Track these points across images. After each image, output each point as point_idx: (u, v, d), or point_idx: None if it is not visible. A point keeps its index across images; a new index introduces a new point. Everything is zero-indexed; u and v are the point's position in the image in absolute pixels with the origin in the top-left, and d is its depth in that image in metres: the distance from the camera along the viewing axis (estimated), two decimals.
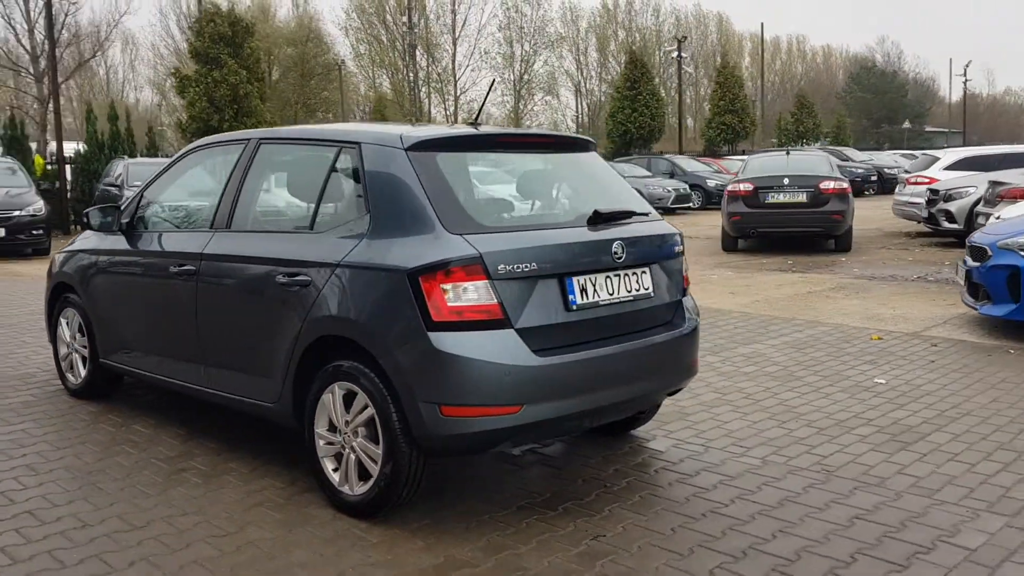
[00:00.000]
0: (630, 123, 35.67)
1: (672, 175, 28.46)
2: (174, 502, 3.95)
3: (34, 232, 13.87)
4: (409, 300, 3.49)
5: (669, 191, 25.73)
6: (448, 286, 3.46)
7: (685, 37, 48.67)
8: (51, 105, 24.07)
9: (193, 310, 4.51)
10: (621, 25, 76.04)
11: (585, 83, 74.51)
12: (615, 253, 3.88)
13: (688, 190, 26.50)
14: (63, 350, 5.73)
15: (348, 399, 3.76)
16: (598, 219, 3.95)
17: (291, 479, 4.21)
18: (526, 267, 3.57)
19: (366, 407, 3.67)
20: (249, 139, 4.59)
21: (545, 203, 4.28)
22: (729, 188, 15.00)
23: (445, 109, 69.00)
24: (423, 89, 66.69)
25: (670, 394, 4.51)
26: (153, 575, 3.26)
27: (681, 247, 4.40)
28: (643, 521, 3.76)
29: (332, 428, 3.85)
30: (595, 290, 3.83)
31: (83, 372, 5.53)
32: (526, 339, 3.56)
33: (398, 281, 3.53)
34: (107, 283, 5.22)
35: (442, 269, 3.47)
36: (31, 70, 47.29)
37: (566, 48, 72.11)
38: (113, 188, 16.27)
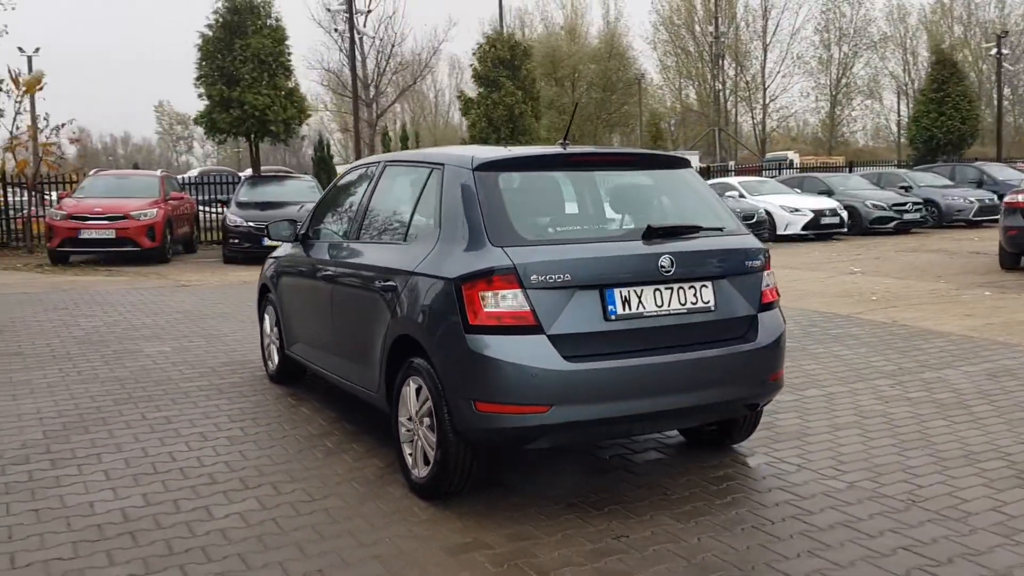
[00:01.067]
0: (935, 128, 32.88)
1: (980, 184, 25.87)
2: (290, 471, 4.65)
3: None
4: (453, 305, 3.89)
5: (971, 202, 23.50)
6: (487, 294, 3.82)
7: (1006, 32, 43.59)
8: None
9: (330, 309, 5.23)
10: (958, 20, 69.68)
11: (913, 85, 69.08)
12: (662, 267, 4.01)
13: (995, 201, 23.96)
14: (265, 341, 6.77)
15: (419, 392, 4.23)
16: (652, 233, 4.10)
17: (391, 460, 4.75)
18: (559, 278, 3.84)
19: (427, 400, 4.12)
20: (380, 161, 5.24)
21: (605, 218, 4.47)
22: (1007, 199, 13.60)
23: (752, 118, 67.38)
24: (730, 98, 65.68)
25: (750, 407, 4.49)
26: (237, 525, 3.94)
27: (759, 262, 4.38)
28: (676, 528, 3.86)
29: (409, 417, 4.34)
30: (640, 302, 3.99)
31: (276, 360, 6.50)
32: (558, 345, 3.82)
33: (446, 288, 3.95)
34: (286, 285, 6.14)
35: (482, 278, 3.83)
36: (363, 96, 53.25)
37: (890, 48, 67.35)
38: None
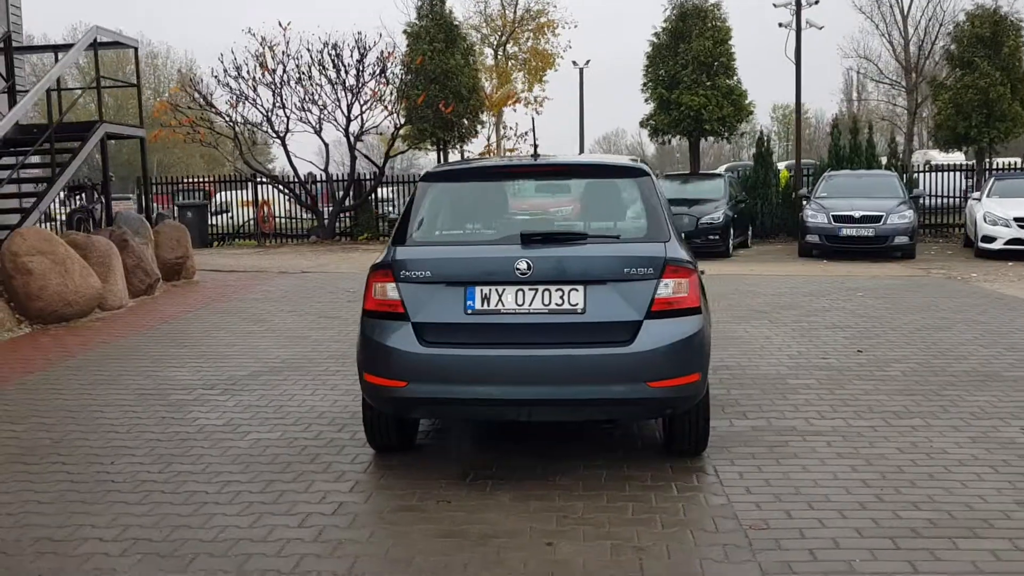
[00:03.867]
0: None
1: None
2: (338, 418, 5.91)
3: (710, 237, 16.50)
4: (363, 293, 4.81)
5: None
6: (376, 284, 4.67)
7: None
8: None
9: None
10: None
11: None
12: (518, 269, 4.41)
13: None
14: None
15: None
16: (527, 239, 4.51)
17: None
18: (423, 274, 4.53)
19: None
20: None
21: (502, 223, 4.86)
22: None
23: None
24: None
25: (648, 412, 4.56)
26: (241, 447, 5.35)
27: (649, 271, 4.43)
28: (494, 504, 4.31)
29: None
30: (500, 300, 4.45)
31: None
32: (419, 331, 4.51)
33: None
34: None
35: (376, 271, 4.70)
36: (903, 83, 50.21)
37: None
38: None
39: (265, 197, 22.66)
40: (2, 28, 11.99)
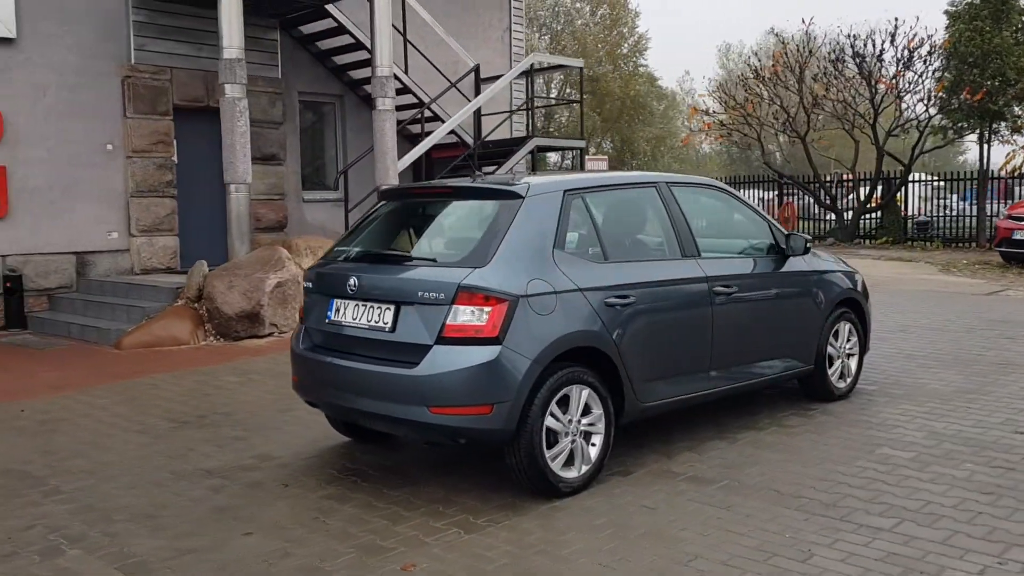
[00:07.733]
0: None
1: None
2: None
3: None
4: None
5: None
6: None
7: None
8: None
9: None
10: None
11: None
12: (350, 286, 4.66)
13: None
14: None
15: None
16: (364, 257, 4.77)
17: None
18: (311, 285, 5.06)
19: None
20: None
21: (376, 242, 4.95)
22: None
23: None
24: None
25: (448, 440, 4.44)
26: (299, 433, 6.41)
27: (440, 295, 4.29)
28: (324, 496, 4.69)
29: None
30: (344, 312, 4.76)
31: None
32: (306, 335, 5.06)
33: None
34: None
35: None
36: None
37: None
38: None
39: (788, 198, 22.40)
40: (476, 62, 14.45)
